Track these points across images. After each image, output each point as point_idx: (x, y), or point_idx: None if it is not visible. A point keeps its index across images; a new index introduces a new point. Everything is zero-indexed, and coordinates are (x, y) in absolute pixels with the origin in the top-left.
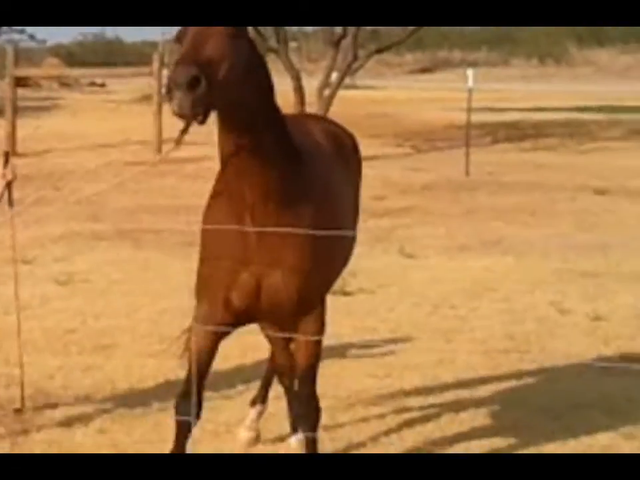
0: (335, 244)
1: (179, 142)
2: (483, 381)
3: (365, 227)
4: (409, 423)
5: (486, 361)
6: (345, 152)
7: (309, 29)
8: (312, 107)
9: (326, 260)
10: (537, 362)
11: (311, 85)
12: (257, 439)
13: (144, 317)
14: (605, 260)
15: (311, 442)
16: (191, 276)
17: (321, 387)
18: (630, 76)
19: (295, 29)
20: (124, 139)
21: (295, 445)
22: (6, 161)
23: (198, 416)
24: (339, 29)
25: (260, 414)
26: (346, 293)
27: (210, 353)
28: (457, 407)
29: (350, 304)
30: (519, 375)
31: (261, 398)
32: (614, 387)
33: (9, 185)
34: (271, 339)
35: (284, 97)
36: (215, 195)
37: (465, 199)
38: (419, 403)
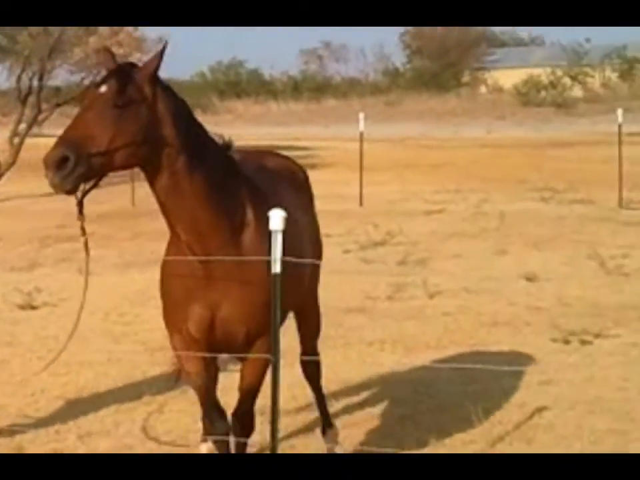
0: (289, 274)
1: (80, 215)
2: (144, 373)
3: (52, 250)
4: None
5: (148, 358)
6: (298, 185)
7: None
8: (5, 153)
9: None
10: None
11: (3, 135)
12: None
13: None
14: None
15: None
16: None
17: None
18: (260, 121)
19: None
20: None
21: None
22: None
23: (228, 432)
24: (25, 88)
25: None
26: (33, 307)
27: (204, 375)
28: (122, 397)
29: (36, 316)
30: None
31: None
32: None
33: None
34: None
35: None
36: (171, 237)
37: (132, 225)
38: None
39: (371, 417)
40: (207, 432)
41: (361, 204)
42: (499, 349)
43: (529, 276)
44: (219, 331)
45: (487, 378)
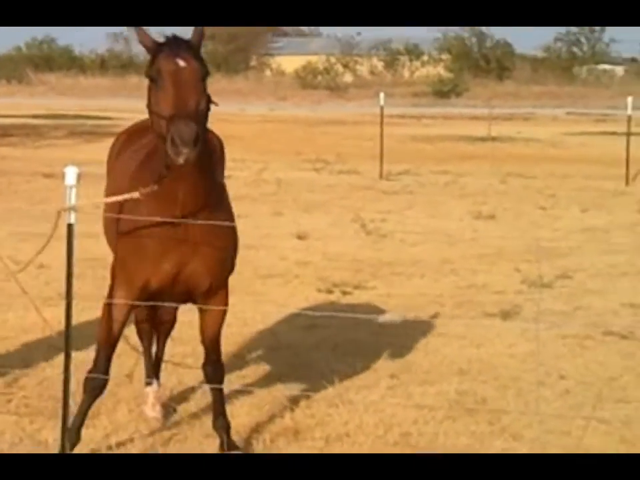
0: (235, 235)
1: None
2: None
3: None
4: None
5: None
6: (218, 155)
7: None
8: None
9: (233, 248)
10: None
11: None
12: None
13: None
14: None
15: (220, 397)
16: None
17: None
18: (70, 93)
19: None
20: None
21: (150, 391)
22: None
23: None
24: None
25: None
26: None
27: (122, 327)
28: None
29: None
30: None
31: (154, 375)
32: None
33: None
34: (138, 314)
35: None
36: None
37: None
38: None
39: None
40: (91, 370)
41: None
42: (272, 297)
43: (300, 235)
44: (182, 285)
45: (260, 323)
